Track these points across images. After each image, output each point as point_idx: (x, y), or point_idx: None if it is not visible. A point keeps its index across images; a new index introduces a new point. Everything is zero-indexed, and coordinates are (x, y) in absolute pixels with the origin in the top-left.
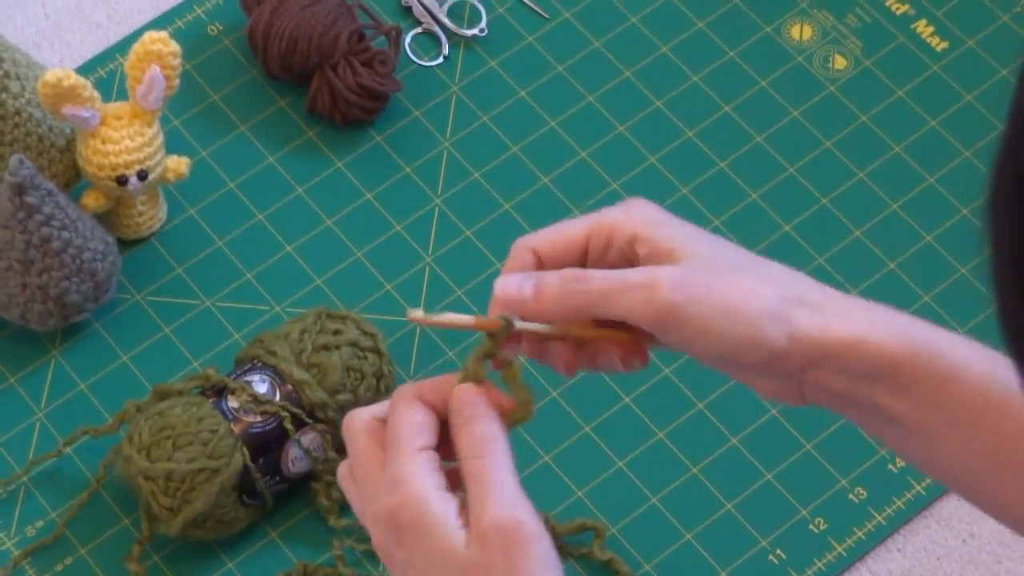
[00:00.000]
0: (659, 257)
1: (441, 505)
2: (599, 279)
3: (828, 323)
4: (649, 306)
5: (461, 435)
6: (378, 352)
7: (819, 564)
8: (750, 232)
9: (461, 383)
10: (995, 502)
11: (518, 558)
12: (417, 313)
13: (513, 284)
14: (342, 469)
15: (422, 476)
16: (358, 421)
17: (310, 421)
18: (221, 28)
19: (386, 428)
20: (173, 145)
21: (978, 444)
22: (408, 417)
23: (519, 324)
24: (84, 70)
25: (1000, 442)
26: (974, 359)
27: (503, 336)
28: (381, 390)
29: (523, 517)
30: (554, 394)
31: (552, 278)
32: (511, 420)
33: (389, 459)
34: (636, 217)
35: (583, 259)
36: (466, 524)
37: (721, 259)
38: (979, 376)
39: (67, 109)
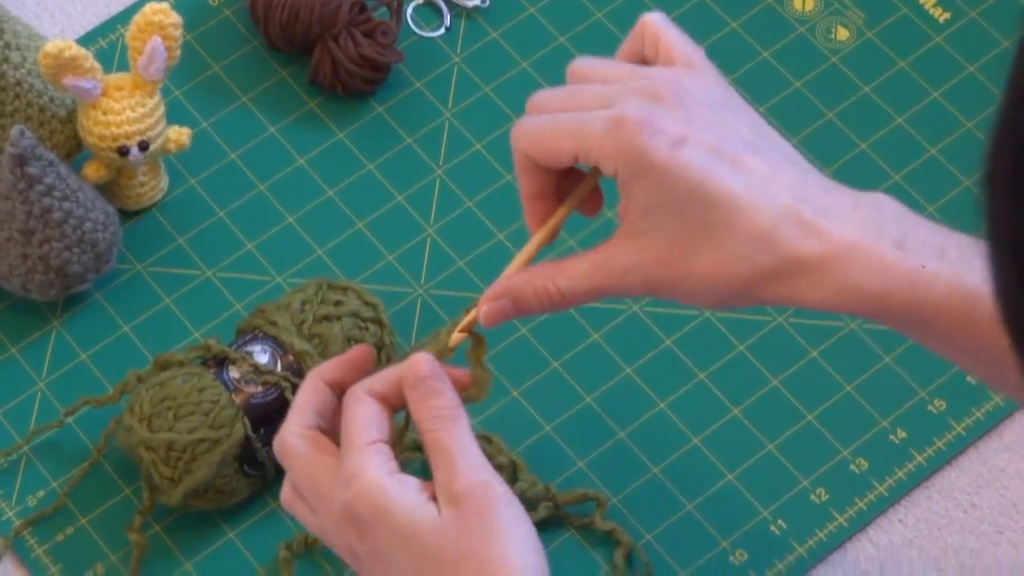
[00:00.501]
0: (627, 212)
1: (399, 487)
2: (572, 280)
3: (807, 293)
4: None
5: (423, 408)
6: (379, 323)
7: (820, 535)
8: None
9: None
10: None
11: (492, 516)
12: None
13: (493, 314)
14: (285, 494)
15: (374, 466)
16: (290, 438)
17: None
18: None
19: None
20: (174, 116)
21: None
22: (357, 414)
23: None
24: (85, 41)
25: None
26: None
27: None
28: (382, 360)
29: (492, 479)
30: (555, 364)
31: (528, 304)
32: (464, 397)
33: (341, 457)
34: (619, 156)
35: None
36: (431, 498)
37: (690, 226)
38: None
39: (68, 80)
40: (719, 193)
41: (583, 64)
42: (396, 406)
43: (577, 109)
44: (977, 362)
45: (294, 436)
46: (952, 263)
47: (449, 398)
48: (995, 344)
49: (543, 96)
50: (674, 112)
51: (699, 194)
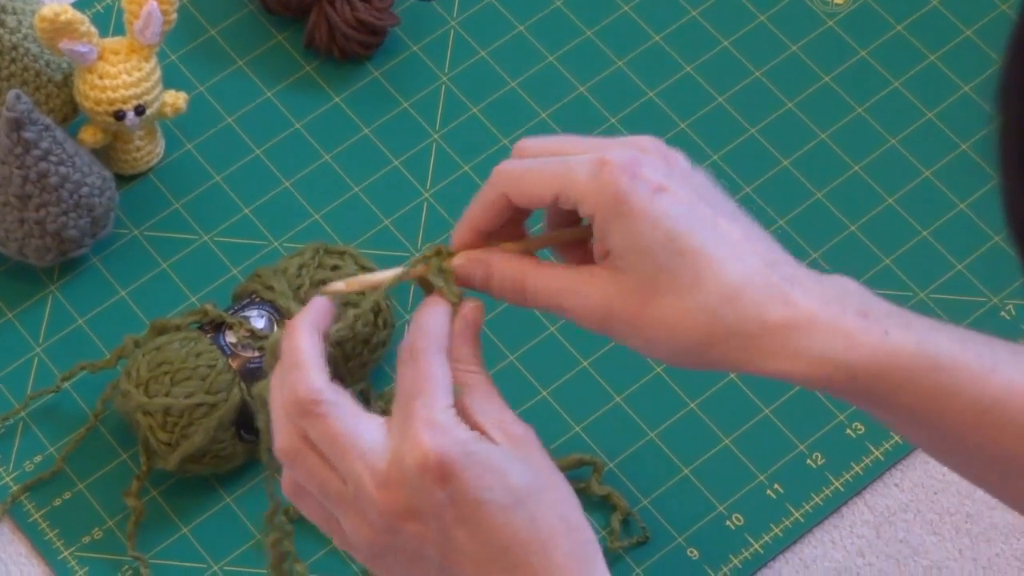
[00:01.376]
0: (600, 251)
1: (478, 438)
2: (540, 289)
3: (768, 361)
4: (583, 322)
5: (466, 350)
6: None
7: (817, 499)
8: (748, 168)
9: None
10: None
11: (547, 456)
12: (336, 285)
13: (467, 275)
14: (288, 485)
15: (459, 422)
16: (324, 389)
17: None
18: None
19: (408, 378)
20: (170, 80)
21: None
22: (442, 370)
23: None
24: (81, 5)
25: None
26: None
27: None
28: (379, 325)
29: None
30: (552, 329)
31: (497, 282)
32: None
33: (422, 406)
34: (599, 196)
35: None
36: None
37: (661, 271)
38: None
39: (64, 44)
40: (693, 245)
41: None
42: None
43: (562, 153)
44: (938, 438)
45: (328, 385)
46: (917, 333)
47: (481, 344)
48: (959, 418)
49: (532, 143)
50: (657, 164)
51: (673, 243)
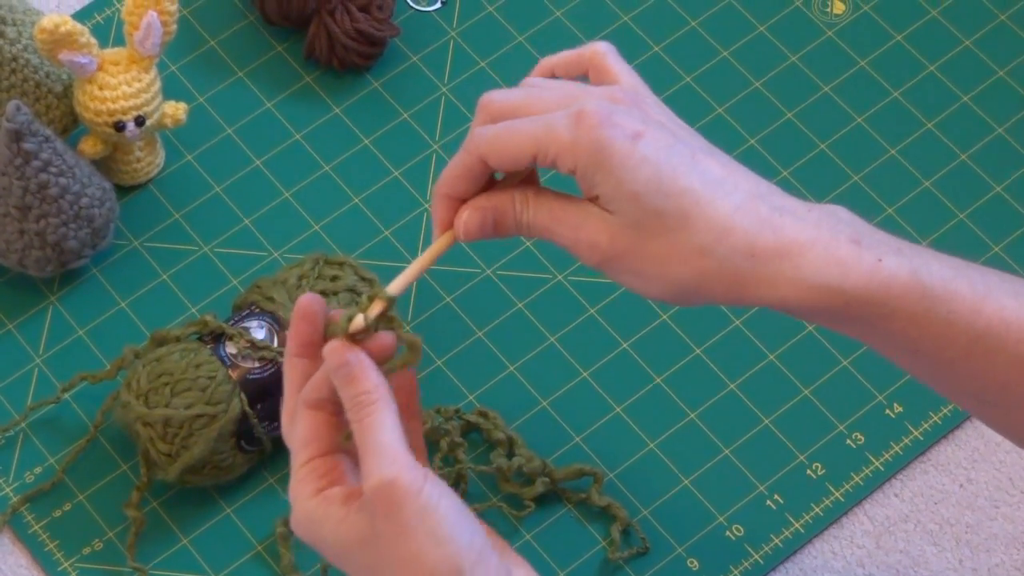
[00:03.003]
0: (592, 200)
1: (323, 507)
2: (539, 217)
3: (761, 290)
4: (582, 257)
5: (344, 398)
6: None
7: (817, 509)
8: None
9: (332, 342)
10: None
11: (400, 516)
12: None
13: (476, 225)
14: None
15: (303, 490)
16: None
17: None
18: None
19: None
20: (170, 91)
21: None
22: (296, 433)
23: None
24: (81, 16)
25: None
26: (959, 291)
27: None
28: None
29: (396, 473)
30: (552, 339)
31: (500, 215)
32: (400, 363)
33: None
34: (579, 150)
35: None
36: (358, 501)
37: (649, 214)
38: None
39: (64, 55)
40: (678, 185)
41: (538, 78)
42: (337, 400)
43: (534, 112)
44: (932, 366)
45: (287, 424)
46: (910, 260)
47: (366, 381)
48: (952, 346)
49: (498, 96)
50: (631, 110)
51: (657, 185)
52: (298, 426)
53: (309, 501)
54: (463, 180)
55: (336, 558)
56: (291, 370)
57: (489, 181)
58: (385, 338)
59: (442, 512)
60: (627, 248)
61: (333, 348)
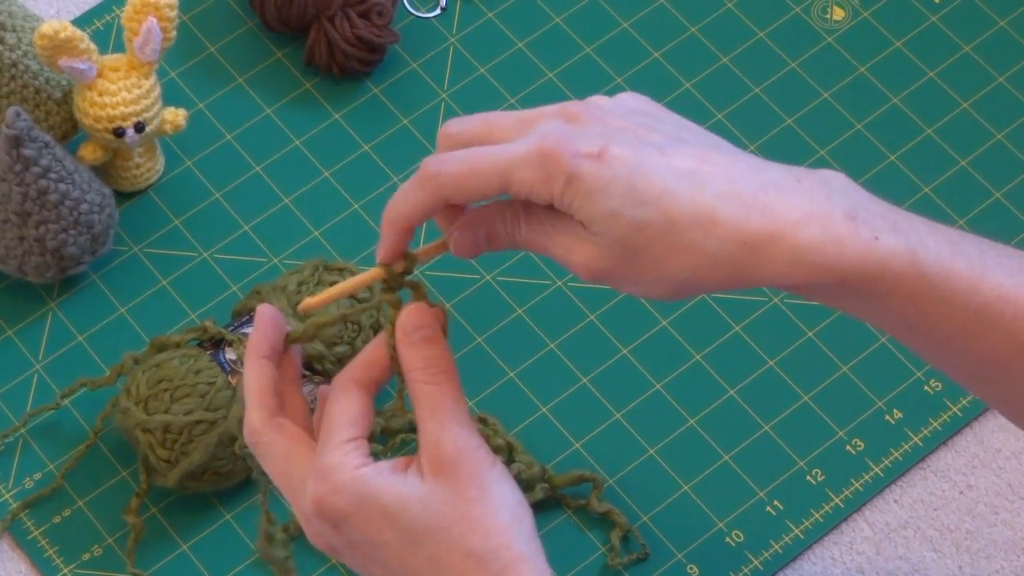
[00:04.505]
0: (573, 222)
1: (374, 471)
2: (533, 233)
3: (757, 272)
4: (583, 279)
5: (414, 358)
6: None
7: (816, 515)
8: None
9: (402, 311)
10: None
11: (479, 479)
12: (307, 300)
13: (467, 243)
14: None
15: (351, 460)
16: (260, 427)
17: (307, 373)
18: None
19: (320, 418)
20: (170, 97)
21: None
22: (342, 407)
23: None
24: (81, 22)
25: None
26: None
27: (400, 272)
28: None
29: (479, 443)
30: (551, 345)
31: (492, 232)
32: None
33: (320, 451)
34: (550, 186)
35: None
36: (412, 469)
37: (631, 228)
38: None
39: (64, 61)
40: (652, 191)
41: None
42: (381, 383)
43: (494, 140)
44: (928, 342)
45: (264, 425)
46: (907, 236)
47: (444, 349)
48: (948, 323)
49: (456, 127)
50: (590, 128)
51: (632, 198)
52: (343, 403)
53: (362, 468)
54: (421, 215)
55: (369, 531)
56: (261, 372)
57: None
58: (439, 311)
59: (512, 486)
60: (618, 264)
61: (411, 309)
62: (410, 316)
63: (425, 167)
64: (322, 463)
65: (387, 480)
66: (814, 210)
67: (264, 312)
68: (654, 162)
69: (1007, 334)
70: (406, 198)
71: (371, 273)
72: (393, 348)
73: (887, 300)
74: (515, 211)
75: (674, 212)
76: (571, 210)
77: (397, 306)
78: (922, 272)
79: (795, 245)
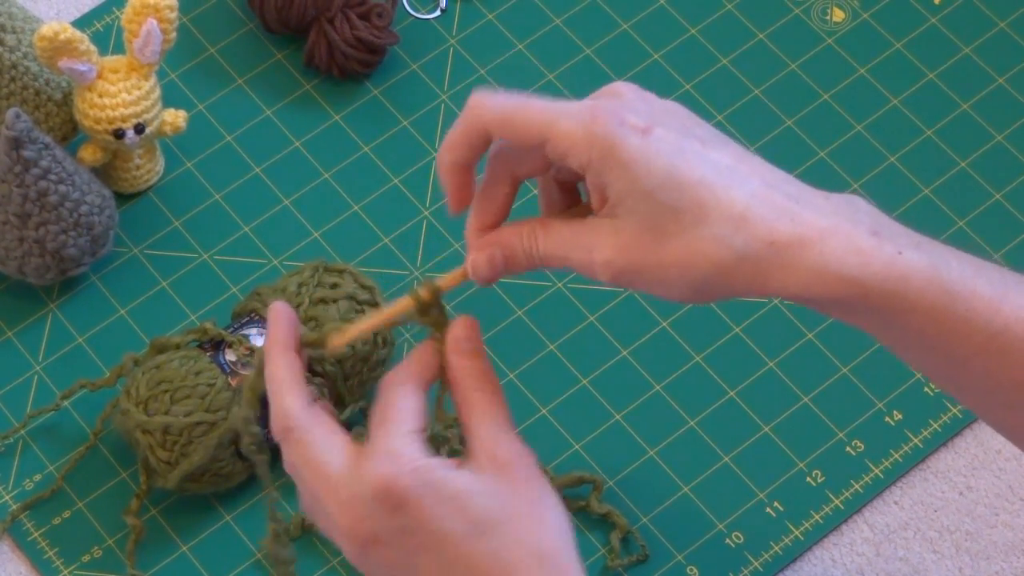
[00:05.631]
0: (599, 202)
1: (438, 462)
2: (551, 245)
3: (781, 280)
4: (598, 277)
5: (464, 367)
6: (375, 305)
7: (817, 517)
8: None
9: (451, 330)
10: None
11: (536, 482)
12: (337, 339)
13: (484, 264)
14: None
15: (420, 449)
16: (299, 414)
17: (307, 375)
18: None
19: (377, 409)
20: (170, 98)
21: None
22: (406, 402)
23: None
24: (81, 23)
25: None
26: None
27: (428, 301)
28: (378, 343)
29: (530, 450)
30: (551, 347)
31: (508, 251)
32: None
33: (383, 437)
34: (593, 146)
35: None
36: (463, 467)
37: (663, 210)
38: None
39: (64, 63)
40: (691, 178)
41: None
42: (431, 385)
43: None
44: (946, 363)
45: (302, 411)
46: (930, 255)
47: (488, 362)
48: (968, 343)
49: (488, 95)
50: (638, 107)
51: (671, 179)
52: (410, 398)
53: (427, 458)
54: (465, 148)
55: (431, 516)
56: (289, 363)
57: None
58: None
59: (556, 494)
60: (643, 256)
61: (464, 321)
62: (463, 328)
63: (472, 98)
64: (391, 446)
65: (452, 471)
66: (840, 223)
67: (279, 308)
68: (696, 152)
69: None
70: (450, 135)
71: (399, 305)
72: (442, 356)
73: (908, 317)
74: (532, 227)
75: (708, 203)
76: (605, 180)
77: (437, 325)
78: (944, 289)
79: (821, 253)
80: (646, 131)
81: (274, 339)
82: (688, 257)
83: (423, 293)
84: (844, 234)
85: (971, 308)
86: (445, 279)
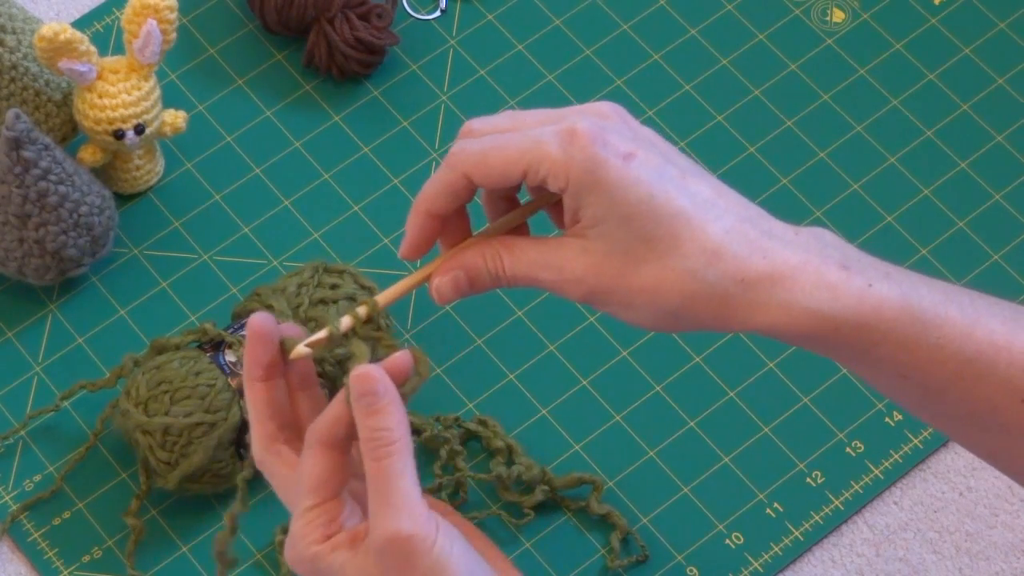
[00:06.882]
0: (570, 221)
1: (329, 551)
2: (518, 264)
3: (752, 316)
4: (569, 296)
5: (361, 427)
6: None
7: (817, 517)
8: (748, 186)
9: (355, 366)
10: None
11: (413, 572)
12: (300, 350)
13: (448, 287)
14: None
15: (309, 535)
16: (260, 456)
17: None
18: None
19: (297, 473)
20: (170, 99)
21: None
22: (309, 471)
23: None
24: (80, 24)
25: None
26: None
27: (365, 321)
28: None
29: (412, 529)
30: (551, 347)
31: (473, 273)
32: (411, 387)
33: (294, 509)
34: (572, 168)
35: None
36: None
37: (638, 237)
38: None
39: (64, 63)
40: (669, 208)
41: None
42: (351, 439)
43: (519, 130)
44: (921, 391)
45: (263, 454)
46: (900, 285)
47: (390, 417)
48: (942, 371)
49: (480, 122)
50: (622, 129)
51: (649, 208)
52: (307, 465)
53: (318, 546)
54: (444, 198)
55: None
56: (256, 397)
57: (461, 212)
58: (402, 360)
59: (454, 564)
60: (613, 279)
61: (360, 374)
62: (356, 383)
63: (451, 151)
64: (292, 528)
65: (339, 558)
66: (810, 259)
67: (253, 327)
68: (675, 181)
69: (1001, 380)
70: (431, 181)
71: (326, 331)
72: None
73: (880, 349)
74: (495, 249)
75: (683, 235)
76: (583, 203)
77: (362, 357)
78: (915, 318)
79: (790, 289)
80: (629, 156)
81: (243, 370)
82: (658, 285)
83: (361, 313)
84: (813, 269)
85: (943, 336)
86: (384, 295)
